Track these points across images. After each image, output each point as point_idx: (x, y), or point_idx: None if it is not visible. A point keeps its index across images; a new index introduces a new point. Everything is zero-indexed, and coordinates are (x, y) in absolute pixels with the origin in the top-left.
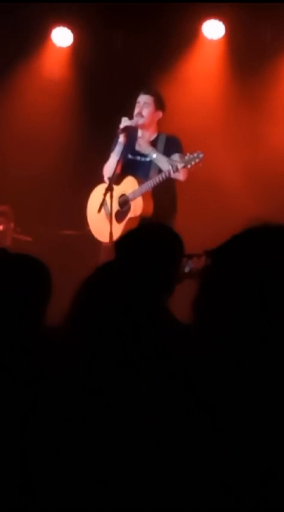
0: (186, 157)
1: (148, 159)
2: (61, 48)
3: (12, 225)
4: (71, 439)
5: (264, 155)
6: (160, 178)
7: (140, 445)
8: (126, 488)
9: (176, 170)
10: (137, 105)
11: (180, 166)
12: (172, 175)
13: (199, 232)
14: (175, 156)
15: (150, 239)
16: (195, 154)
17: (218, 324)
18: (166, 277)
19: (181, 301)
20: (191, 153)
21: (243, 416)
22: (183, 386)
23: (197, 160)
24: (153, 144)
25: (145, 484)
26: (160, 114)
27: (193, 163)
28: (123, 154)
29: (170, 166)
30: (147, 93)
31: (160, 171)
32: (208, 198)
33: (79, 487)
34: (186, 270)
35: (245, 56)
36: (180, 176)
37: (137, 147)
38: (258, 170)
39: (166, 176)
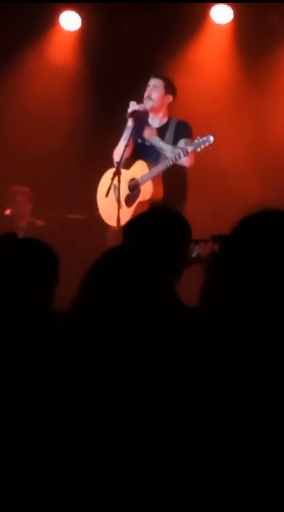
0: (196, 141)
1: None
2: (69, 32)
3: (30, 207)
4: (77, 426)
5: (272, 139)
6: (167, 164)
7: (145, 432)
8: (130, 475)
9: (186, 154)
10: (147, 88)
11: (189, 149)
12: (178, 161)
13: (206, 217)
14: (181, 143)
15: (158, 223)
16: (205, 138)
17: (224, 310)
18: (174, 261)
19: (189, 286)
20: (201, 137)
21: (247, 404)
22: (189, 371)
23: (207, 143)
24: (164, 129)
25: (149, 474)
26: (170, 98)
27: (202, 146)
28: (133, 139)
29: (176, 153)
30: (157, 76)
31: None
32: (216, 183)
33: (86, 473)
34: (194, 255)
35: (253, 41)
36: (186, 162)
37: (144, 135)
38: (266, 155)
39: (170, 163)
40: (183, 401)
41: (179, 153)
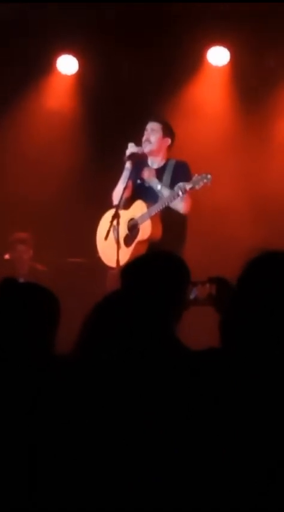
0: (194, 178)
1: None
2: (66, 76)
3: (30, 253)
4: (78, 459)
5: (269, 182)
6: (165, 203)
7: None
8: (129, 478)
9: (184, 192)
10: (145, 132)
11: (188, 187)
12: (174, 204)
13: (204, 259)
14: (180, 186)
15: (156, 266)
16: (203, 175)
17: (248, 348)
18: (173, 304)
19: (187, 328)
20: (199, 174)
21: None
22: (191, 410)
23: (205, 181)
24: (162, 169)
25: (147, 476)
26: (168, 141)
27: (201, 184)
28: (132, 181)
29: (174, 193)
30: (154, 120)
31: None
32: (213, 224)
33: (84, 476)
34: (191, 297)
35: (250, 83)
36: (182, 208)
37: (143, 175)
38: (263, 197)
39: (167, 203)
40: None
41: (177, 192)
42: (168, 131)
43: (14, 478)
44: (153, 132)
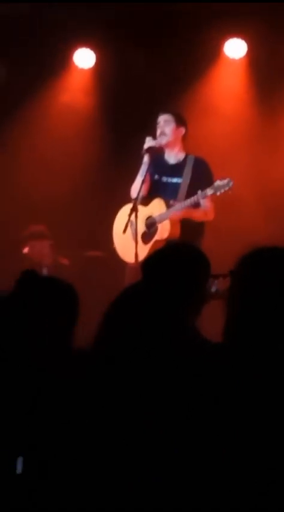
0: (215, 184)
1: (175, 181)
2: (83, 70)
3: (48, 243)
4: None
5: None
6: (189, 203)
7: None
8: (129, 478)
9: (204, 197)
10: (158, 126)
11: (209, 193)
12: (201, 201)
13: (224, 253)
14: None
15: (177, 259)
16: (225, 182)
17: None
18: (193, 297)
19: (209, 321)
20: (221, 180)
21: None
22: (209, 403)
23: (226, 188)
24: (181, 166)
25: (147, 477)
26: (182, 130)
27: (222, 190)
28: (150, 175)
29: (199, 192)
30: (165, 112)
31: (189, 193)
32: (232, 219)
33: (84, 476)
34: (213, 290)
35: (267, 75)
36: (207, 212)
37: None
38: (282, 190)
39: (195, 201)
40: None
41: (198, 198)
42: (180, 121)
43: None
44: (166, 124)
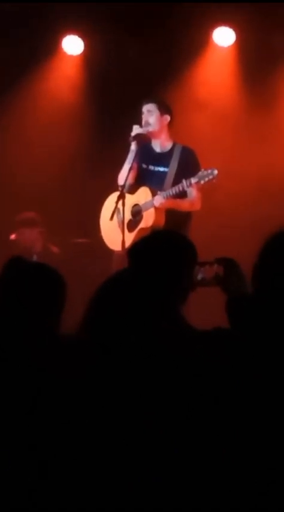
0: (200, 173)
1: (162, 170)
2: (72, 57)
3: (38, 231)
4: (82, 440)
5: (274, 162)
6: (175, 192)
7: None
8: (129, 477)
9: (189, 185)
10: (143, 116)
11: (193, 181)
12: (188, 191)
13: (210, 240)
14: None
15: (163, 246)
16: (209, 171)
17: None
18: (179, 284)
19: (194, 309)
20: (205, 169)
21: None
22: (198, 391)
23: (211, 177)
24: (169, 154)
25: (148, 476)
26: (167, 118)
27: (206, 179)
28: (138, 163)
29: (184, 181)
30: (148, 101)
31: (175, 182)
32: (218, 206)
33: (85, 475)
34: (199, 277)
35: (255, 63)
36: (193, 203)
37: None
38: (269, 178)
39: (180, 190)
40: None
41: (183, 186)
42: (164, 109)
43: (14, 470)
44: (149, 114)
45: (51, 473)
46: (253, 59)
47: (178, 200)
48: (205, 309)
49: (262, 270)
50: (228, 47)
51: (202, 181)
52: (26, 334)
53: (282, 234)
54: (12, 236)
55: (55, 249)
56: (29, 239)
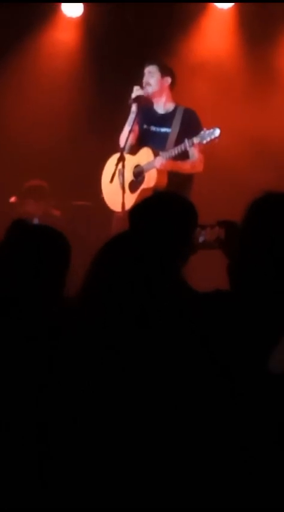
0: (202, 133)
1: (163, 130)
2: (71, 19)
3: (44, 204)
4: (87, 398)
5: (275, 125)
6: (177, 152)
7: (154, 404)
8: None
9: (191, 145)
10: (144, 77)
11: (196, 141)
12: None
13: (212, 203)
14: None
15: (164, 208)
16: (211, 130)
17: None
18: (180, 245)
19: (195, 271)
20: (207, 129)
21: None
22: (198, 351)
23: (213, 136)
24: (171, 116)
25: (150, 467)
26: (168, 79)
27: (208, 139)
28: (138, 124)
29: (186, 141)
30: (150, 63)
31: (177, 143)
32: (221, 169)
33: (97, 446)
34: (200, 240)
35: (255, 25)
36: (195, 164)
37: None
38: (270, 141)
39: (182, 150)
40: (189, 380)
41: (189, 141)
42: (165, 70)
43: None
44: (150, 75)
45: (67, 432)
46: (252, 20)
47: (179, 162)
48: (206, 272)
49: (245, 236)
50: (228, 9)
51: (204, 141)
52: (33, 296)
53: (264, 199)
54: (12, 199)
55: (56, 212)
56: (33, 207)
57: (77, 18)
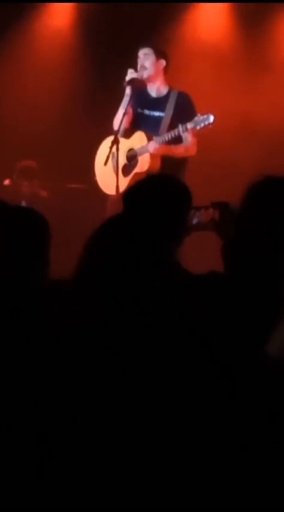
0: (196, 119)
1: (157, 114)
2: (65, 4)
3: (35, 182)
4: (84, 393)
5: (268, 108)
6: (170, 136)
7: (154, 399)
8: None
9: (185, 130)
10: (138, 60)
11: (189, 126)
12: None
13: (206, 185)
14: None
15: (158, 190)
16: (205, 116)
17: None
18: (174, 227)
19: (190, 253)
20: (201, 114)
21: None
22: (193, 336)
23: (206, 122)
24: (165, 99)
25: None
26: (163, 62)
27: (202, 125)
28: (133, 108)
29: (179, 126)
30: (145, 46)
31: (171, 127)
32: (215, 151)
33: (95, 441)
34: (194, 222)
35: (250, 9)
36: (188, 148)
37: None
38: (263, 123)
39: (175, 135)
40: (187, 368)
41: (183, 126)
42: (160, 53)
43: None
44: (146, 57)
45: (64, 427)
46: (247, 5)
47: (172, 146)
48: (200, 253)
49: (243, 220)
50: None
51: (197, 127)
52: (8, 278)
53: (264, 183)
54: (6, 182)
55: (43, 193)
56: (21, 185)
57: (71, 3)
